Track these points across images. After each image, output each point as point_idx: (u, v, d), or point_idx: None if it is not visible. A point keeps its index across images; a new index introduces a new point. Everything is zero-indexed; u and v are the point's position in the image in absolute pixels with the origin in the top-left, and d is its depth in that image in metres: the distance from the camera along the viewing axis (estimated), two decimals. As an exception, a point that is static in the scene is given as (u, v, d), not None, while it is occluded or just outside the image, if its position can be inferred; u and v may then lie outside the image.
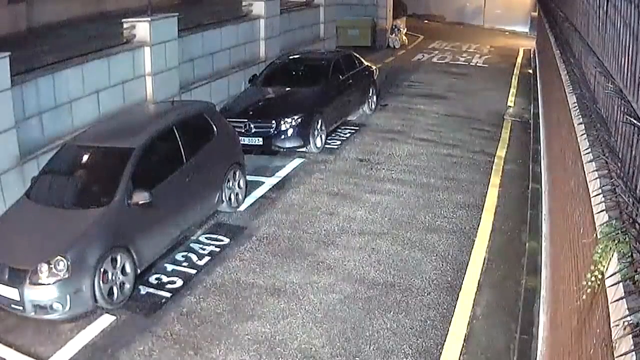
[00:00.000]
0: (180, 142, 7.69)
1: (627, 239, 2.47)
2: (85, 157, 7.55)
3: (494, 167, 10.41)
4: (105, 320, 6.20)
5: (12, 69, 7.68)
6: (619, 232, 2.55)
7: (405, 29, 24.15)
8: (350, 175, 10.02)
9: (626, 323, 2.07)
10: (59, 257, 5.95)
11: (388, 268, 7.09)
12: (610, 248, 2.55)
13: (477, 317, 6.21)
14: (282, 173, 10.08)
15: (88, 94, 9.26)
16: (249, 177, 9.12)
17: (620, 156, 3.10)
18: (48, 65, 8.77)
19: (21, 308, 6.00)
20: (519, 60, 20.87)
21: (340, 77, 12.25)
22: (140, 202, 6.70)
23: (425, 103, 14.56)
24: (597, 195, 3.13)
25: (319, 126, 11.05)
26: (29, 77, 8.24)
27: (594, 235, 2.86)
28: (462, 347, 5.72)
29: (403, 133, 12.25)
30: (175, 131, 7.72)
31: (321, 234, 7.97)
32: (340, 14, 19.59)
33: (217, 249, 7.61)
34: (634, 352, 1.94)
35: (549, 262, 6.14)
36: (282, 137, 10.59)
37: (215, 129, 8.50)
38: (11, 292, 5.96)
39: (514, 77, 18.10)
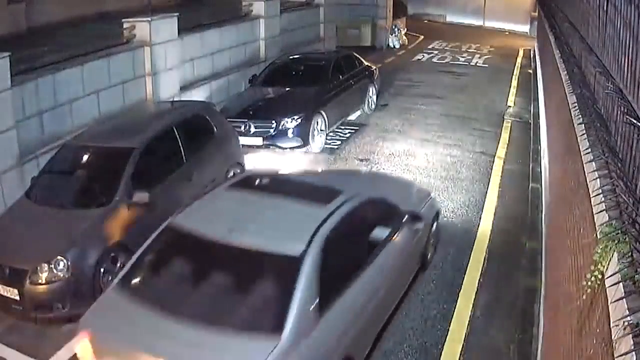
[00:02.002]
0: (180, 142, 7.69)
1: (627, 239, 2.47)
2: (85, 157, 7.54)
3: (494, 167, 10.41)
4: (105, 320, 6.18)
5: (12, 69, 7.69)
6: (619, 232, 2.55)
7: (405, 29, 24.16)
8: (350, 175, 10.00)
9: (626, 323, 2.07)
10: (59, 257, 5.95)
11: (388, 268, 7.08)
12: (610, 248, 2.55)
13: (477, 317, 6.21)
14: (282, 173, 10.06)
15: (88, 94, 9.26)
16: (249, 177, 9.10)
17: (620, 156, 3.10)
18: (48, 65, 8.77)
19: (21, 308, 6.00)
20: (519, 60, 20.89)
21: (340, 77, 12.25)
22: (140, 202, 6.70)
23: (425, 103, 14.56)
24: (597, 195, 3.13)
25: (319, 126, 11.05)
26: (29, 77, 8.24)
27: (594, 235, 2.86)
28: (462, 347, 5.72)
29: (403, 133, 12.25)
30: (175, 131, 7.72)
31: (321, 234, 7.95)
32: (340, 14, 19.59)
33: (217, 249, 7.59)
34: (634, 352, 1.94)
35: (549, 262, 6.14)
36: (282, 137, 10.59)
37: (215, 129, 8.50)
38: (11, 292, 5.96)
39: (514, 77, 18.11)
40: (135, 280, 4.95)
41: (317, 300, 4.41)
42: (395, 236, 5.81)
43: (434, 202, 7.41)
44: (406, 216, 6.06)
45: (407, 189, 7.28)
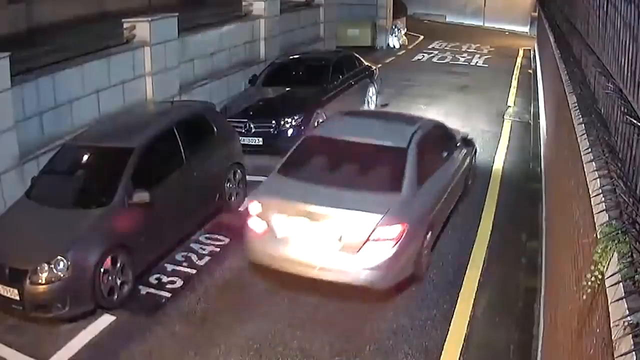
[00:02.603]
0: (180, 142, 7.69)
1: (627, 239, 2.47)
2: (85, 157, 7.55)
3: (494, 167, 10.41)
4: (105, 320, 6.20)
5: (12, 69, 7.69)
6: (619, 232, 2.54)
7: (405, 29, 24.15)
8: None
9: (626, 323, 2.07)
10: (59, 257, 5.95)
11: (388, 268, 7.08)
12: (610, 248, 2.55)
13: (477, 317, 6.20)
14: (282, 173, 10.06)
15: (88, 94, 9.26)
16: (248, 177, 9.11)
17: (620, 156, 3.10)
18: (48, 65, 8.77)
19: (21, 308, 6.00)
20: (519, 60, 20.88)
21: (340, 77, 12.25)
22: (140, 202, 6.70)
23: (425, 103, 14.55)
24: (597, 195, 3.13)
25: (319, 126, 11.05)
26: (29, 77, 8.24)
27: (594, 235, 2.85)
28: (462, 347, 5.72)
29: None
30: (175, 131, 7.72)
31: (321, 234, 7.96)
32: (340, 14, 19.60)
33: (217, 249, 7.61)
34: (634, 352, 1.94)
35: (549, 262, 6.14)
36: (282, 137, 10.59)
37: (215, 129, 8.50)
38: (11, 292, 5.96)
39: (514, 77, 18.11)
40: (290, 167, 7.12)
41: (417, 178, 6.74)
42: (455, 152, 8.35)
43: (473, 140, 9.62)
44: (460, 141, 8.66)
45: (454, 129, 9.35)
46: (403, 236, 6.07)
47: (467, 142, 8.90)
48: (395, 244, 6.03)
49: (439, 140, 8.02)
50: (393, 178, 6.67)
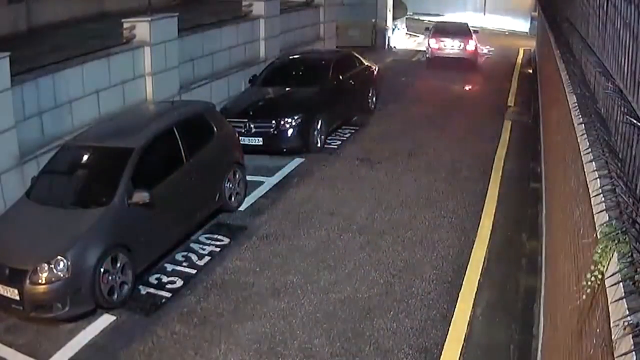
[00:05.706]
0: (180, 142, 7.69)
1: (627, 239, 2.47)
2: (85, 157, 7.55)
3: (494, 167, 10.40)
4: (106, 320, 6.20)
5: (12, 69, 7.68)
6: (619, 232, 2.54)
7: (405, 29, 24.14)
8: (350, 175, 10.02)
9: (626, 323, 2.07)
10: (59, 257, 5.95)
11: (388, 268, 7.09)
12: (610, 248, 2.55)
13: (477, 317, 6.20)
14: (282, 173, 10.08)
15: (88, 94, 9.26)
16: (249, 177, 9.12)
17: (620, 156, 3.10)
18: (48, 65, 8.77)
19: (21, 308, 6.00)
20: (519, 60, 20.89)
21: (341, 77, 12.25)
22: (140, 202, 6.70)
23: (425, 103, 14.54)
24: (597, 195, 3.13)
25: (319, 126, 11.05)
26: (29, 77, 8.24)
27: (594, 235, 2.86)
28: (462, 347, 5.71)
29: (403, 132, 12.24)
30: (175, 131, 7.72)
31: (321, 233, 7.97)
32: (340, 14, 19.60)
33: (217, 249, 7.61)
34: (634, 352, 1.94)
35: (549, 262, 6.14)
36: (282, 137, 10.59)
37: (215, 129, 8.50)
38: (11, 292, 5.96)
39: (514, 77, 18.11)
40: (434, 34, 20.27)
41: (477, 42, 20.56)
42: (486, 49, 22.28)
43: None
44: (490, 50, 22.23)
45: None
46: (476, 45, 19.33)
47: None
48: (475, 44, 19.23)
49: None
50: (467, 37, 19.40)
